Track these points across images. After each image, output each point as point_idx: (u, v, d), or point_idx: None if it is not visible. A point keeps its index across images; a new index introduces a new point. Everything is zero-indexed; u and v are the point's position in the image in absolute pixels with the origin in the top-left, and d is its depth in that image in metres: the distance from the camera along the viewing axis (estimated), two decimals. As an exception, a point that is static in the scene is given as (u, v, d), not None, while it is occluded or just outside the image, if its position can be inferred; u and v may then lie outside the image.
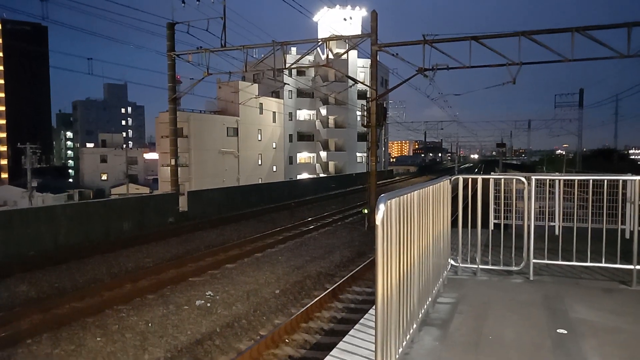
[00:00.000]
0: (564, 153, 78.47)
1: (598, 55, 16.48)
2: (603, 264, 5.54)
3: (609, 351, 3.65)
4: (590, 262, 5.60)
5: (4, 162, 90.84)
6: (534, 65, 17.69)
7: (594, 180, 5.90)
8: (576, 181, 6.15)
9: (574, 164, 55.41)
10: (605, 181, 5.57)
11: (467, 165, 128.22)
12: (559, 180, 7.07)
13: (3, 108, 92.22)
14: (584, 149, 63.98)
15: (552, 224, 7.17)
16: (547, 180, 7.51)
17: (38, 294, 10.81)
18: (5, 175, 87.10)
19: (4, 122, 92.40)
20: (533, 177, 5.65)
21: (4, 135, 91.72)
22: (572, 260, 5.72)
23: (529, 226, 5.49)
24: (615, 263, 5.50)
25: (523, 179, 5.63)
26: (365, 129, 21.26)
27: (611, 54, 16.17)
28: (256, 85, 47.61)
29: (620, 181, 5.74)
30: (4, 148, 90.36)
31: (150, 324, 8.74)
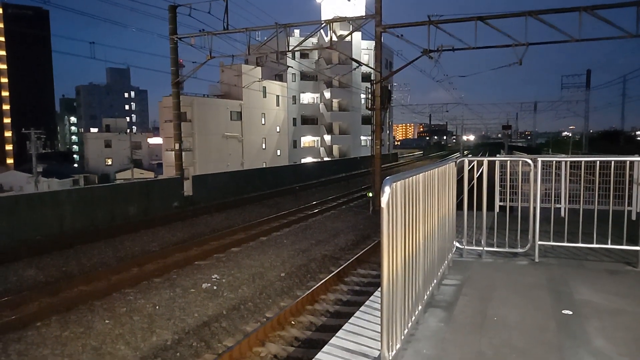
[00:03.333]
0: (570, 135, 77.90)
1: (606, 35, 16.24)
2: (609, 246, 5.53)
3: (613, 333, 3.65)
4: (596, 243, 5.58)
5: (9, 147, 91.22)
6: (540, 46, 17.46)
7: (600, 161, 5.85)
8: (583, 163, 6.10)
9: (580, 146, 55.06)
10: (613, 162, 5.52)
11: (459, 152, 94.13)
12: (565, 161, 7.02)
13: (7, 93, 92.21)
14: (591, 131, 63.51)
15: (558, 205, 7.15)
16: (554, 162, 7.46)
17: (46, 277, 10.93)
18: (10, 161, 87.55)
19: (8, 107, 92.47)
20: (539, 159, 5.61)
21: (8, 120, 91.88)
22: (577, 242, 5.71)
23: (534, 208, 5.46)
24: (621, 244, 5.48)
25: (529, 161, 5.60)
26: (370, 112, 21.16)
27: (619, 34, 15.92)
28: (259, 68, 47.30)
29: (628, 162, 5.69)
30: (9, 134, 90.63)
31: (157, 307, 8.84)
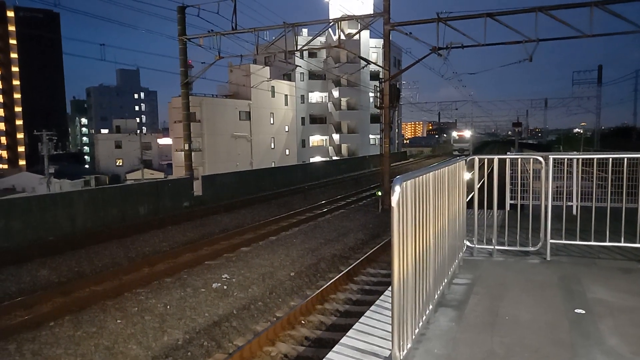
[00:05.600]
0: (581, 132, 77.00)
1: (618, 30, 16.04)
2: (622, 244, 5.47)
3: (626, 331, 3.61)
4: (609, 242, 5.52)
5: (22, 149, 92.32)
6: (551, 42, 17.30)
7: (613, 158, 5.78)
8: (595, 160, 6.03)
9: (592, 142, 54.41)
10: (625, 159, 5.45)
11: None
12: (577, 159, 6.94)
13: (18, 96, 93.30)
14: (602, 128, 62.81)
15: (569, 203, 7.08)
16: (565, 160, 7.39)
17: (59, 277, 11.05)
18: (22, 162, 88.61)
19: (20, 109, 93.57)
20: (550, 157, 5.55)
21: (20, 122, 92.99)
22: (590, 240, 5.65)
23: (546, 206, 5.41)
24: (635, 242, 5.41)
25: (540, 159, 5.54)
26: (378, 111, 21.09)
27: (632, 29, 15.71)
28: (268, 68, 47.38)
29: (641, 159, 5.61)
30: (21, 135, 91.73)
31: (168, 307, 8.89)
